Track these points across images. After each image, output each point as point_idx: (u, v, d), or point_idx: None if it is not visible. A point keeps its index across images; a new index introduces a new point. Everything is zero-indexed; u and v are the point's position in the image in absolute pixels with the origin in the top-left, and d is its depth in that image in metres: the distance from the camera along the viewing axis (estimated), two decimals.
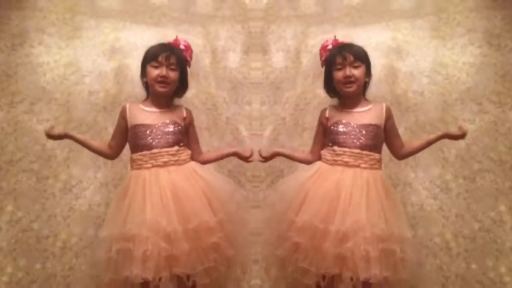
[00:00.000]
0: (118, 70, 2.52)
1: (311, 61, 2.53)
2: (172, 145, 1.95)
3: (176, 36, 2.09)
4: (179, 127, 2.00)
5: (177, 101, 2.12)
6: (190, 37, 2.38)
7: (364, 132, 1.95)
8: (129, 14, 2.57)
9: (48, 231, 2.40)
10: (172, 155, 1.94)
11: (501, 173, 2.45)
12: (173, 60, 1.98)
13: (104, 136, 2.46)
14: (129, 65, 2.52)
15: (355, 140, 1.94)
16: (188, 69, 2.10)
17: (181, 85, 2.05)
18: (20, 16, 2.51)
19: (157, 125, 1.96)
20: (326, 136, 2.03)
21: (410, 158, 2.33)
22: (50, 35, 2.53)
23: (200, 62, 2.55)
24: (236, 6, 2.59)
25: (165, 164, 1.92)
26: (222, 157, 2.13)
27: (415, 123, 2.50)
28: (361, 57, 2.00)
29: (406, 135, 2.45)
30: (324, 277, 1.82)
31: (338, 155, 1.94)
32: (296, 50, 2.57)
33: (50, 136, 2.00)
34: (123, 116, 2.02)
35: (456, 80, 2.51)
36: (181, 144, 1.99)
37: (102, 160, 2.45)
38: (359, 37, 2.45)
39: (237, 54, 2.57)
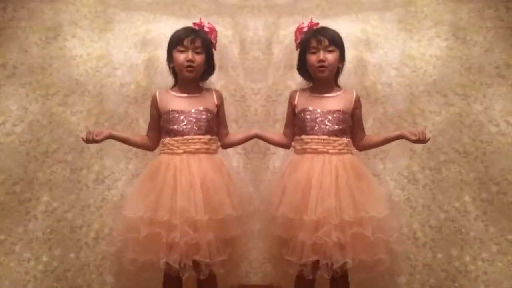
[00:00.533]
0: (148, 62, 2.54)
1: (282, 52, 2.54)
2: (205, 133, 1.95)
3: (200, 18, 2.08)
4: (212, 115, 2.00)
5: (206, 84, 2.12)
6: (219, 28, 2.36)
7: (330, 117, 1.95)
8: (160, 6, 2.58)
9: (81, 221, 2.45)
10: (205, 143, 1.94)
11: (465, 164, 2.46)
12: (198, 43, 1.96)
13: (135, 128, 2.50)
14: (159, 57, 2.53)
15: (322, 126, 1.94)
16: (214, 52, 2.08)
17: (208, 68, 2.04)
18: (53, 9, 2.56)
19: (191, 112, 1.96)
20: (295, 121, 2.03)
21: (379, 149, 2.39)
22: (83, 28, 2.57)
23: (229, 53, 2.53)
24: None
25: (197, 151, 1.92)
26: (246, 139, 2.12)
27: (383, 114, 2.50)
28: (336, 41, 1.98)
29: (375, 126, 2.48)
30: (305, 265, 1.84)
31: (306, 143, 1.95)
32: (267, 41, 2.56)
33: (94, 141, 1.97)
34: (154, 105, 2.03)
35: (423, 73, 2.52)
36: (213, 132, 1.99)
37: (134, 152, 2.48)
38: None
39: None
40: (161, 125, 2.01)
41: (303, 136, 1.96)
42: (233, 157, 2.51)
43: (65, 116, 2.51)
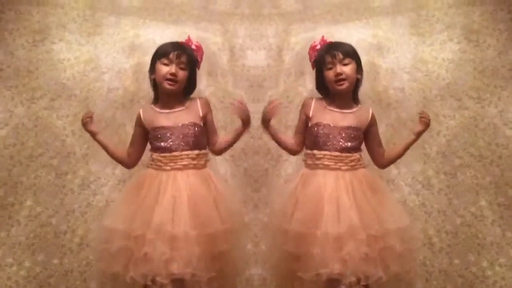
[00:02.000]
0: (137, 67, 2.53)
1: (293, 59, 2.54)
2: (193, 148, 1.93)
3: (188, 36, 2.06)
4: (199, 128, 1.97)
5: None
6: (208, 35, 2.37)
7: (343, 134, 1.94)
8: (149, 12, 2.57)
9: (66, 226, 2.42)
10: (192, 158, 1.92)
11: (481, 168, 2.45)
12: (183, 59, 1.95)
13: (122, 133, 2.48)
14: (147, 63, 2.48)
15: (334, 143, 1.92)
16: (197, 71, 2.06)
17: (188, 86, 2.01)
18: (42, 12, 2.54)
19: (177, 127, 1.94)
20: (307, 133, 2.00)
21: None
22: (71, 31, 2.55)
23: (218, 60, 2.53)
24: (254, 4, 2.58)
25: (184, 167, 1.90)
26: (236, 138, 2.05)
27: (396, 119, 2.51)
28: (350, 54, 1.97)
29: (388, 132, 2.48)
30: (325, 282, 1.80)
31: (318, 159, 1.92)
32: (278, 48, 2.57)
33: (83, 124, 2.01)
34: (138, 124, 2.01)
35: (436, 77, 2.52)
36: (201, 146, 1.97)
37: None
38: (340, 34, 2.48)
39: (255, 52, 2.57)
40: (149, 141, 1.99)
41: (315, 152, 1.94)
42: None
43: (51, 120, 2.49)
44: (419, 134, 1.99)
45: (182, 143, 1.92)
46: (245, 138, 2.40)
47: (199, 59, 2.04)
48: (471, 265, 2.41)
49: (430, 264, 2.42)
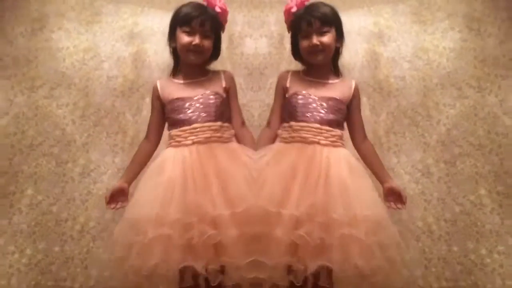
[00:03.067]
0: (136, 55, 2.53)
1: None
2: (215, 120, 1.73)
3: None
4: (221, 99, 1.78)
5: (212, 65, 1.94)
6: None
7: (325, 105, 1.74)
8: (147, 0, 2.56)
9: (67, 214, 2.43)
10: (215, 130, 1.72)
11: (480, 157, 2.45)
12: (208, 26, 1.74)
13: (121, 121, 2.48)
14: (147, 51, 2.53)
15: (315, 113, 1.73)
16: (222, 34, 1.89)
17: (213, 53, 1.83)
18: (40, 0, 2.54)
19: (196, 97, 1.75)
20: (284, 107, 1.81)
21: (392, 143, 2.43)
22: (70, 20, 2.55)
23: None
24: None
25: (207, 140, 1.70)
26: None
27: (397, 108, 2.49)
28: (329, 20, 1.75)
29: (388, 120, 2.47)
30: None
31: (296, 130, 1.72)
32: (279, 36, 2.55)
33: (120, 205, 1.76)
34: (156, 96, 1.81)
35: (437, 65, 2.51)
36: (225, 119, 1.78)
37: (120, 146, 2.47)
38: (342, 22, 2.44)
39: (253, 40, 2.56)
40: (166, 117, 1.80)
41: (292, 123, 1.74)
42: None
43: (50, 109, 2.49)
44: (388, 191, 1.77)
45: (202, 113, 1.73)
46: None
47: (223, 23, 1.84)
48: (470, 253, 2.41)
49: (429, 252, 2.42)
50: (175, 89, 1.79)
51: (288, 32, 1.88)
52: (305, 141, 1.72)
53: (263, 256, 1.53)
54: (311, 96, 1.77)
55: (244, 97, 2.50)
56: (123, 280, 1.60)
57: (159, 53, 2.52)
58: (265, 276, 1.52)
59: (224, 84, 1.82)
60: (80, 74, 2.51)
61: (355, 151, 1.87)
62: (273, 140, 1.82)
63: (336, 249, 1.51)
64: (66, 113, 2.49)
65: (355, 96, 1.83)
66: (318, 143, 1.71)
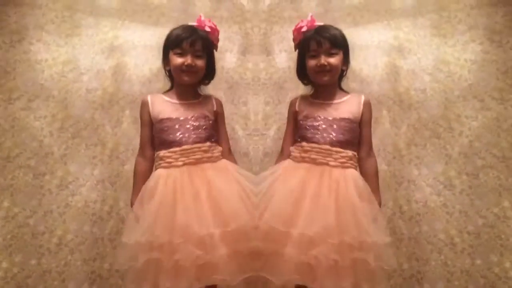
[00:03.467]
0: (116, 69, 2.54)
1: None
2: (204, 141, 1.77)
3: (200, 16, 1.89)
4: (210, 121, 1.82)
5: (204, 89, 1.99)
6: None
7: (335, 126, 1.77)
8: (128, 13, 2.59)
9: (44, 227, 2.41)
10: (205, 151, 1.75)
11: (504, 169, 2.47)
12: (198, 46, 1.78)
13: (101, 133, 2.49)
14: (127, 64, 2.54)
15: (324, 135, 1.76)
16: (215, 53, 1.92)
17: (208, 72, 1.87)
18: (19, 12, 2.53)
19: (187, 119, 1.78)
20: (296, 131, 1.86)
21: (413, 155, 2.45)
22: (49, 32, 2.54)
23: None
24: (233, 7, 2.61)
25: (198, 161, 1.73)
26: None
27: (417, 120, 2.52)
28: (338, 43, 1.80)
29: (409, 132, 2.49)
30: None
31: (306, 151, 1.76)
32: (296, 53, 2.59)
33: None
34: (146, 111, 1.83)
35: (458, 77, 2.54)
36: (213, 139, 1.82)
37: (99, 158, 2.47)
38: (361, 36, 2.53)
39: (234, 54, 2.60)
40: (154, 136, 1.82)
41: (303, 143, 1.78)
42: None
43: (28, 120, 2.47)
44: None
45: (192, 135, 1.76)
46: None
47: (215, 42, 1.87)
48: (494, 266, 2.41)
49: (452, 265, 2.42)
50: (166, 108, 1.81)
51: (295, 50, 1.91)
52: (314, 162, 1.74)
53: (269, 273, 1.58)
54: (321, 118, 1.79)
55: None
56: None
57: (139, 67, 2.54)
58: None
59: (214, 107, 1.88)
60: (59, 86, 2.51)
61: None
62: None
63: (349, 272, 1.56)
64: (44, 125, 2.48)
65: (365, 112, 1.84)
66: (327, 164, 1.73)
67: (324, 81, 1.82)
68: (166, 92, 1.92)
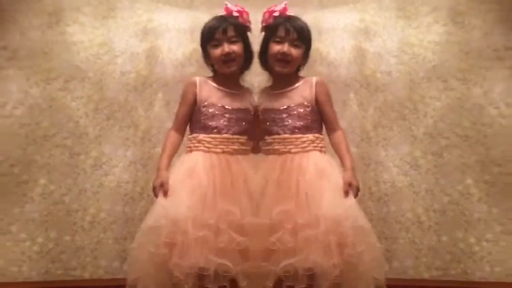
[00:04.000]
0: (149, 52, 2.56)
1: None
2: (243, 133, 1.83)
3: (226, 4, 1.92)
4: (251, 115, 1.88)
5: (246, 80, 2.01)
6: None
7: (292, 113, 1.81)
8: None
9: (78, 205, 2.48)
10: (242, 143, 1.82)
11: (467, 148, 2.49)
12: (231, 32, 1.80)
13: (134, 115, 2.53)
14: (160, 47, 2.56)
15: (281, 126, 1.81)
16: (250, 35, 1.91)
17: (247, 56, 1.87)
18: None
19: (231, 109, 1.83)
20: (259, 125, 1.91)
21: (381, 137, 2.51)
22: (85, 14, 2.58)
23: None
24: None
25: (235, 152, 1.79)
26: None
27: (384, 102, 2.54)
28: (304, 36, 1.83)
29: (376, 115, 2.53)
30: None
31: (269, 143, 1.83)
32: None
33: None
34: (192, 91, 1.84)
35: (422, 59, 2.55)
36: (249, 134, 1.87)
37: (132, 139, 2.53)
38: (328, 19, 2.53)
39: None
40: (195, 119, 1.84)
41: (266, 137, 1.85)
42: None
43: (65, 101, 2.53)
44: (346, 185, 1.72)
45: (235, 126, 1.81)
46: None
47: (247, 24, 1.88)
48: (459, 242, 2.45)
49: (419, 242, 2.47)
50: (213, 94, 1.85)
51: (260, 32, 1.91)
52: (277, 152, 1.81)
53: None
54: (276, 109, 1.84)
55: None
56: (165, 278, 1.61)
57: (172, 50, 2.56)
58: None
59: (255, 102, 1.92)
60: (94, 68, 2.55)
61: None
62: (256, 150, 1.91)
63: (300, 251, 1.59)
64: (80, 105, 2.54)
65: (319, 91, 1.85)
66: (289, 152, 1.79)
67: (282, 72, 1.84)
68: (212, 78, 1.92)
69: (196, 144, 1.81)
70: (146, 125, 2.54)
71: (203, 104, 1.83)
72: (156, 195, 1.72)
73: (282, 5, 1.87)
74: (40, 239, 2.46)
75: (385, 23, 2.57)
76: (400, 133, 2.53)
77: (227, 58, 1.81)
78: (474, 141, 2.50)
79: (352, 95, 2.54)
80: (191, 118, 1.87)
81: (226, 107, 1.83)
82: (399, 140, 2.53)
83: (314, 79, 1.86)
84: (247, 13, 1.90)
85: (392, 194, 2.51)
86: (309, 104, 1.83)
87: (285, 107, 1.83)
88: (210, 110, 1.82)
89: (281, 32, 1.81)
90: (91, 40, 2.57)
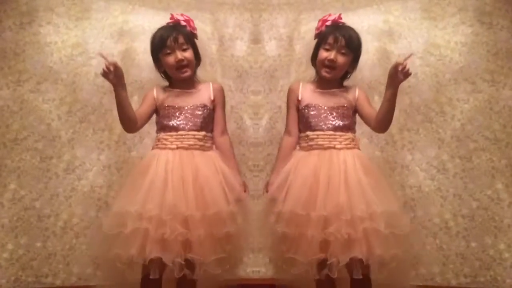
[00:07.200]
0: (125, 53, 2.52)
1: (304, 48, 2.52)
2: (200, 129, 1.92)
3: (171, 14, 1.99)
4: (208, 111, 1.95)
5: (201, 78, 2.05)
6: (198, 23, 2.36)
7: (334, 114, 1.93)
8: None
9: (50, 210, 2.42)
10: (199, 139, 1.90)
11: (496, 151, 2.47)
12: (182, 39, 1.91)
13: (108, 118, 2.48)
14: (136, 49, 2.53)
15: (327, 122, 1.92)
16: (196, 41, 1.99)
17: (197, 61, 1.99)
18: None
19: (186, 107, 1.93)
20: (299, 117, 1.99)
21: (406, 140, 2.46)
22: (59, 15, 2.53)
23: (207, 50, 2.54)
24: None
25: (190, 147, 1.88)
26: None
27: (409, 105, 2.52)
28: (352, 45, 1.92)
29: (401, 117, 2.50)
30: (311, 265, 1.76)
31: (312, 139, 1.91)
32: (288, 38, 2.57)
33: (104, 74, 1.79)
34: (150, 96, 1.97)
35: (449, 60, 2.53)
36: (209, 130, 1.95)
37: (106, 143, 2.48)
38: (351, 21, 2.43)
39: (244, 42, 2.57)
40: (157, 121, 1.98)
41: (308, 133, 1.93)
42: None
43: (36, 103, 2.47)
44: (394, 81, 1.80)
45: (190, 122, 1.91)
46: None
47: (194, 31, 2.00)
48: (488, 248, 2.41)
49: (447, 248, 2.42)
50: (168, 96, 1.96)
51: (314, 39, 2.02)
52: (322, 147, 1.90)
53: (295, 254, 1.76)
54: (322, 107, 1.94)
55: (232, 99, 2.52)
56: (108, 267, 1.77)
57: (148, 52, 2.45)
58: (299, 271, 1.77)
59: (212, 97, 1.98)
60: (67, 69, 2.50)
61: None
62: (294, 147, 2.00)
63: (361, 242, 1.71)
64: (52, 108, 2.48)
65: (360, 98, 1.98)
66: (334, 147, 1.89)
67: (327, 78, 1.95)
68: (167, 86, 2.01)
69: (157, 143, 1.93)
70: (121, 128, 2.43)
71: (161, 107, 1.95)
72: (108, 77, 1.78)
73: (336, 15, 1.98)
74: (10, 246, 2.39)
75: (410, 24, 2.55)
76: (427, 136, 2.49)
77: (181, 64, 1.91)
78: (504, 144, 2.46)
79: (376, 97, 2.45)
80: (156, 121, 1.98)
81: (181, 106, 1.93)
82: (426, 143, 2.49)
83: (357, 89, 1.99)
84: (192, 21, 2.00)
85: (418, 198, 2.46)
86: (351, 108, 1.96)
87: (332, 106, 1.94)
88: (166, 112, 1.93)
89: (330, 40, 1.92)
90: (64, 41, 2.52)
